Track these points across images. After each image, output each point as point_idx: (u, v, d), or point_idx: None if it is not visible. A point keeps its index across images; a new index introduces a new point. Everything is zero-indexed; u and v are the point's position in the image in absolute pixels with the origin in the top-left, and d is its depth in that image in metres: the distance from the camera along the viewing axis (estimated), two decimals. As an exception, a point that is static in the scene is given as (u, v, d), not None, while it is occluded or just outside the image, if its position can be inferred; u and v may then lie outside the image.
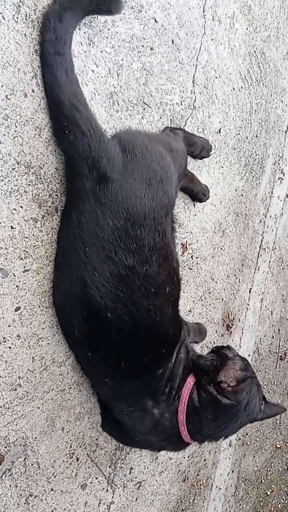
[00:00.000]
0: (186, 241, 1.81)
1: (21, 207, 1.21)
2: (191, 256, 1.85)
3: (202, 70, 1.73)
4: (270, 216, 2.34)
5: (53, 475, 1.39)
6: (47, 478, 1.37)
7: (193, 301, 1.90)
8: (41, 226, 1.26)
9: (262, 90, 2.09)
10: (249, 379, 1.31)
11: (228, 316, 2.13)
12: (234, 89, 1.92)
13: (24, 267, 1.24)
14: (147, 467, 1.77)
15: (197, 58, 1.70)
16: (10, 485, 1.28)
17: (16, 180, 1.19)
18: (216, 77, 1.81)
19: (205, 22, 1.72)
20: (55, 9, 1.19)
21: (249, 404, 1.36)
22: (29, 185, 1.22)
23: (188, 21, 1.64)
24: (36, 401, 1.31)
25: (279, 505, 2.73)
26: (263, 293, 2.38)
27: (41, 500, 1.36)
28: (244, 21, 1.91)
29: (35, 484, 1.34)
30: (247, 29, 1.93)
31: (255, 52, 2.00)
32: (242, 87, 1.97)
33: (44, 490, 1.37)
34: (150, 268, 1.20)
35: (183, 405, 1.32)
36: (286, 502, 2.80)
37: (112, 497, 1.63)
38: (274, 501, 2.68)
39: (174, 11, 1.58)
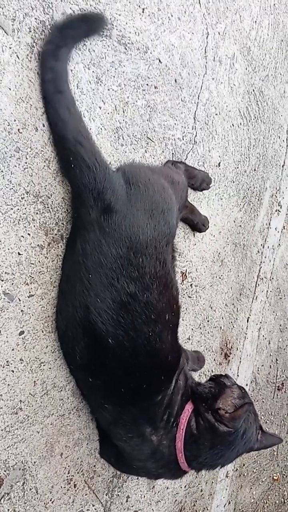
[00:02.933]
0: (186, 270, 1.86)
1: (28, 234, 1.26)
2: (191, 285, 1.89)
3: (203, 107, 1.82)
4: (268, 247, 2.39)
5: (50, 500, 1.39)
6: (44, 503, 1.37)
7: (192, 329, 1.93)
8: (47, 253, 1.31)
9: (260, 126, 2.18)
10: (246, 406, 1.33)
11: (226, 345, 2.16)
12: (233, 125, 2.01)
13: (29, 292, 1.28)
14: (144, 496, 1.76)
15: (199, 96, 1.79)
16: (8, 510, 1.28)
17: (25, 208, 1.24)
18: (216, 114, 1.89)
19: (206, 62, 1.81)
20: (50, 48, 1.24)
21: (246, 432, 1.37)
22: (37, 213, 1.27)
23: (190, 62, 1.73)
24: (36, 426, 1.33)
25: (276, 540, 2.68)
26: (260, 322, 2.41)
27: (38, 526, 1.36)
28: (244, 62, 2.01)
29: (32, 510, 1.34)
30: (246, 69, 2.03)
31: (253, 90, 2.09)
32: (241, 124, 2.05)
33: (41, 516, 1.37)
34: (151, 295, 1.24)
35: (181, 432, 1.33)
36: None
37: (108, 526, 1.62)
38: (271, 536, 2.63)
39: (177, 52, 1.67)
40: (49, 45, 1.24)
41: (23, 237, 1.25)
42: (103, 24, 1.38)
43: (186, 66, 1.71)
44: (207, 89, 1.83)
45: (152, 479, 1.71)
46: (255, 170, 2.20)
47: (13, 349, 1.25)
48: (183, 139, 1.75)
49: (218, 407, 1.34)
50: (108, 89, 1.44)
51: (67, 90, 1.26)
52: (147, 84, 1.57)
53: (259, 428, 1.45)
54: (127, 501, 1.69)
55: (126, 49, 1.47)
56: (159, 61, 1.60)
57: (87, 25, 1.33)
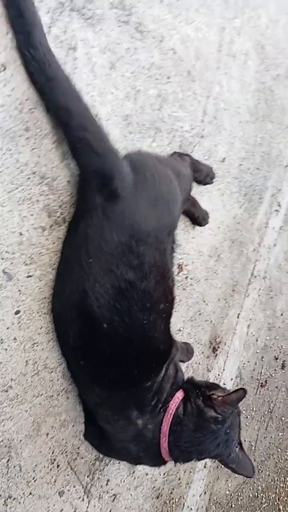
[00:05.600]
0: (183, 262, 1.87)
1: (31, 215, 1.26)
2: (186, 277, 1.91)
3: (213, 101, 1.82)
4: (264, 246, 2.41)
5: (33, 479, 1.41)
6: (27, 481, 1.40)
7: (183, 321, 1.95)
8: (48, 235, 1.31)
9: (267, 125, 2.18)
10: (241, 391, 1.34)
11: (215, 339, 2.18)
12: (241, 122, 2.01)
13: (28, 272, 1.28)
14: (124, 481, 1.79)
15: (210, 90, 1.79)
16: (-9, 485, 1.30)
17: (30, 189, 1.24)
18: (225, 109, 1.89)
19: (220, 57, 1.81)
20: (22, 39, 1.13)
21: (230, 429, 1.39)
22: (41, 195, 1.27)
23: (204, 55, 1.72)
24: (25, 404, 1.34)
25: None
26: (250, 319, 2.44)
27: (19, 503, 1.38)
28: (257, 59, 2.01)
29: (15, 487, 1.36)
30: (258, 66, 2.03)
31: (264, 89, 2.09)
32: (248, 121, 2.06)
33: (23, 493, 1.39)
34: (148, 284, 1.26)
35: (169, 416, 1.35)
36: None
37: (87, 507, 1.64)
38: (242, 527, 2.69)
39: (192, 44, 1.66)
40: (20, 35, 1.13)
41: (26, 217, 1.25)
42: None
43: (200, 59, 1.71)
44: (218, 83, 1.83)
45: (131, 463, 1.73)
46: (258, 168, 2.21)
47: (8, 328, 1.26)
48: (190, 132, 1.75)
49: (211, 393, 1.37)
50: (122, 76, 1.43)
51: (58, 73, 1.16)
52: (160, 74, 1.56)
53: (239, 442, 1.47)
54: (107, 484, 1.72)
55: (142, 36, 1.47)
56: (174, 51, 1.60)
57: None
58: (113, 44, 1.38)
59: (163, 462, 1.44)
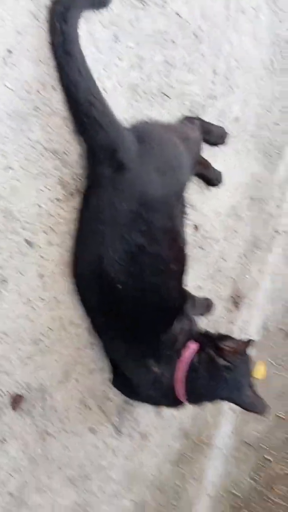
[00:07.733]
0: (199, 223, 1.95)
1: (47, 188, 1.39)
2: (204, 237, 1.99)
3: (223, 60, 1.83)
4: (287, 201, 2.43)
5: (66, 418, 1.62)
6: (60, 420, 1.60)
7: (203, 279, 2.05)
8: (65, 206, 1.44)
9: (285, 78, 2.15)
10: (251, 341, 1.46)
11: (238, 294, 2.28)
12: (255, 78, 2.00)
13: (49, 240, 1.42)
14: (152, 422, 1.98)
15: (219, 49, 1.80)
16: (30, 423, 1.51)
17: (44, 164, 1.36)
18: (237, 67, 1.90)
19: (229, 14, 1.80)
20: (59, 11, 1.24)
21: (241, 374, 1.51)
22: (55, 169, 1.39)
23: (211, 14, 1.72)
24: (55, 355, 1.52)
25: (279, 470, 2.90)
26: (274, 274, 2.49)
27: (55, 438, 1.59)
28: (269, 12, 1.97)
29: (50, 424, 1.57)
30: (272, 19, 1.99)
31: (278, 41, 2.06)
32: (264, 76, 2.04)
33: (58, 430, 1.60)
34: (158, 247, 1.39)
35: (183, 363, 1.48)
36: (286, 469, 2.96)
37: (119, 444, 1.85)
38: (273, 466, 2.84)
39: (197, 5, 1.67)
40: (58, 6, 1.24)
41: (42, 190, 1.38)
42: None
43: (207, 19, 1.71)
44: (228, 41, 1.83)
45: (156, 406, 1.90)
46: (277, 124, 2.20)
47: (34, 290, 1.42)
48: (201, 95, 1.78)
49: (222, 343, 1.50)
50: (126, 46, 1.48)
51: (77, 51, 1.27)
52: (165, 40, 1.60)
53: (250, 384, 1.58)
54: (136, 424, 1.91)
55: (143, 5, 1.50)
56: (179, 15, 1.62)
57: None
58: (115, 17, 1.43)
59: (181, 403, 1.59)
